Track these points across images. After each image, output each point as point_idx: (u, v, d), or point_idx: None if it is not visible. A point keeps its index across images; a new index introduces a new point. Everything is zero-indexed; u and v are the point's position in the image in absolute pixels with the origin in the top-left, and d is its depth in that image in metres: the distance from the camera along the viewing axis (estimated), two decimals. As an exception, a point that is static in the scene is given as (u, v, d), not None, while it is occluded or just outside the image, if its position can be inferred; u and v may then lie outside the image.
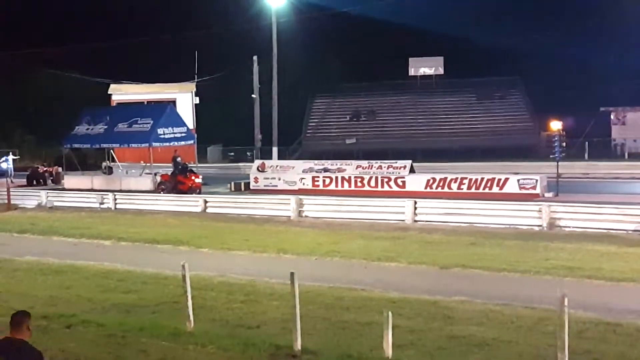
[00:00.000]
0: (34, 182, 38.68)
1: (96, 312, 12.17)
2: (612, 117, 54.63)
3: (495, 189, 27.87)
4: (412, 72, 61.97)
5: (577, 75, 58.86)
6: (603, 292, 13.07)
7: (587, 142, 47.98)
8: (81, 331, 10.83)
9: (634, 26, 52.93)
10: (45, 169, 40.45)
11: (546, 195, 27.02)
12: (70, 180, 37.41)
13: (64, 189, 35.49)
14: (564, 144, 28.38)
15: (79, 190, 33.64)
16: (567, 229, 20.32)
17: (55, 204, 30.58)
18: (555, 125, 28.67)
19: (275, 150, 45.46)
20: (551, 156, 28.53)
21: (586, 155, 46.35)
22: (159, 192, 31.78)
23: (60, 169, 39.48)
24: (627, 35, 54.14)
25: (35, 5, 66.73)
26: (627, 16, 52.78)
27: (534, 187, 27.34)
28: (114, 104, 54.04)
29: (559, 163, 28.03)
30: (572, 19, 60.61)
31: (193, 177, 32.18)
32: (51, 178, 39.45)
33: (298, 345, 9.53)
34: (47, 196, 31.35)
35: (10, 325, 6.03)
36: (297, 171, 32.91)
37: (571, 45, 57.43)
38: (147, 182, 34.45)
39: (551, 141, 28.97)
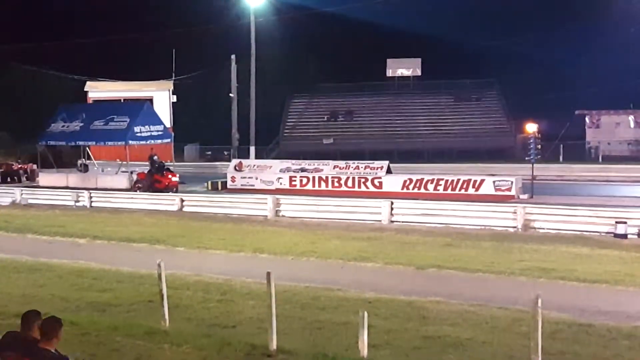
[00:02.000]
0: (8, 180, 38.27)
1: (70, 310, 12.05)
2: (586, 120, 55.26)
3: (471, 191, 28.07)
4: (389, 73, 62.21)
5: (553, 79, 59.54)
6: (576, 294, 13.21)
7: (561, 145, 48.45)
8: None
9: (609, 30, 53.56)
10: (19, 166, 40.06)
11: (521, 197, 27.26)
12: (45, 177, 37.09)
13: (38, 187, 35.17)
14: (539, 147, 28.58)
15: (54, 188, 33.36)
16: (541, 231, 20.51)
17: (30, 201, 30.30)
18: (531, 127, 28.88)
19: (252, 149, 45.35)
20: (526, 158, 28.77)
21: (561, 158, 46.84)
22: (136, 191, 31.61)
23: (35, 166, 39.13)
24: (602, 40, 54.80)
25: (12, 1, 65.96)
26: (602, 21, 53.41)
27: (509, 189, 27.58)
28: (91, 102, 53.62)
29: (534, 165, 28.27)
30: (548, 23, 61.30)
31: (170, 176, 32.05)
32: (26, 175, 39.09)
33: (274, 344, 9.52)
34: (22, 193, 31.04)
35: (21, 324, 5.99)
36: (274, 171, 32.89)
37: (547, 48, 58.08)
38: (123, 180, 34.25)
39: (527, 143, 29.22)
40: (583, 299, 12.69)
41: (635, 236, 18.98)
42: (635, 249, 17.43)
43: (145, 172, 33.02)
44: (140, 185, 32.30)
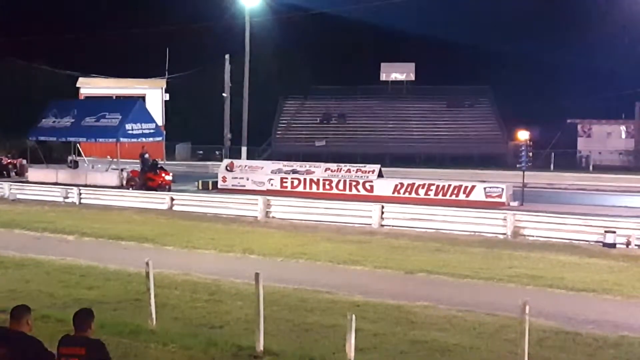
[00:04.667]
0: (-3, 174, 38.06)
1: (56, 307, 11.99)
2: (578, 129, 55.49)
3: (461, 196, 28.09)
4: (383, 77, 62.24)
5: (546, 87, 59.69)
6: (564, 302, 13.23)
7: (553, 153, 48.61)
8: (40, 326, 10.61)
9: (603, 40, 53.80)
10: (9, 160, 39.81)
11: (511, 204, 27.31)
12: (35, 173, 36.89)
13: (27, 182, 34.98)
14: (531, 154, 28.66)
15: (43, 184, 33.20)
16: (530, 238, 20.55)
17: (19, 196, 30.16)
18: (523, 135, 28.94)
19: (244, 150, 45.27)
20: (518, 166, 28.83)
21: (552, 166, 46.95)
22: (129, 188, 31.49)
23: (24, 162, 38.92)
24: (596, 49, 55.01)
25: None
26: (597, 31, 53.62)
27: (500, 196, 27.62)
28: (82, 98, 53.37)
29: (525, 173, 28.34)
30: (543, 32, 61.42)
31: (163, 174, 31.92)
32: (15, 170, 38.86)
33: (261, 346, 9.50)
34: (10, 188, 30.88)
35: (10, 318, 6.01)
36: (265, 172, 32.84)
37: (541, 57, 58.21)
38: (113, 178, 34.08)
39: (518, 151, 29.26)
40: (570, 307, 12.71)
41: (624, 246, 19.05)
42: (623, 259, 17.50)
43: (138, 170, 32.91)
44: (133, 183, 32.19)
